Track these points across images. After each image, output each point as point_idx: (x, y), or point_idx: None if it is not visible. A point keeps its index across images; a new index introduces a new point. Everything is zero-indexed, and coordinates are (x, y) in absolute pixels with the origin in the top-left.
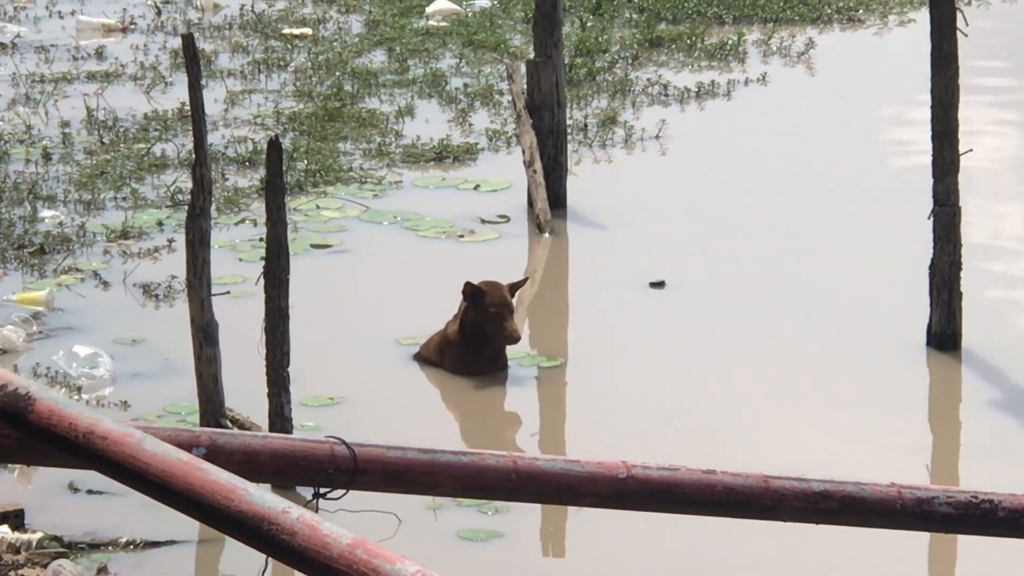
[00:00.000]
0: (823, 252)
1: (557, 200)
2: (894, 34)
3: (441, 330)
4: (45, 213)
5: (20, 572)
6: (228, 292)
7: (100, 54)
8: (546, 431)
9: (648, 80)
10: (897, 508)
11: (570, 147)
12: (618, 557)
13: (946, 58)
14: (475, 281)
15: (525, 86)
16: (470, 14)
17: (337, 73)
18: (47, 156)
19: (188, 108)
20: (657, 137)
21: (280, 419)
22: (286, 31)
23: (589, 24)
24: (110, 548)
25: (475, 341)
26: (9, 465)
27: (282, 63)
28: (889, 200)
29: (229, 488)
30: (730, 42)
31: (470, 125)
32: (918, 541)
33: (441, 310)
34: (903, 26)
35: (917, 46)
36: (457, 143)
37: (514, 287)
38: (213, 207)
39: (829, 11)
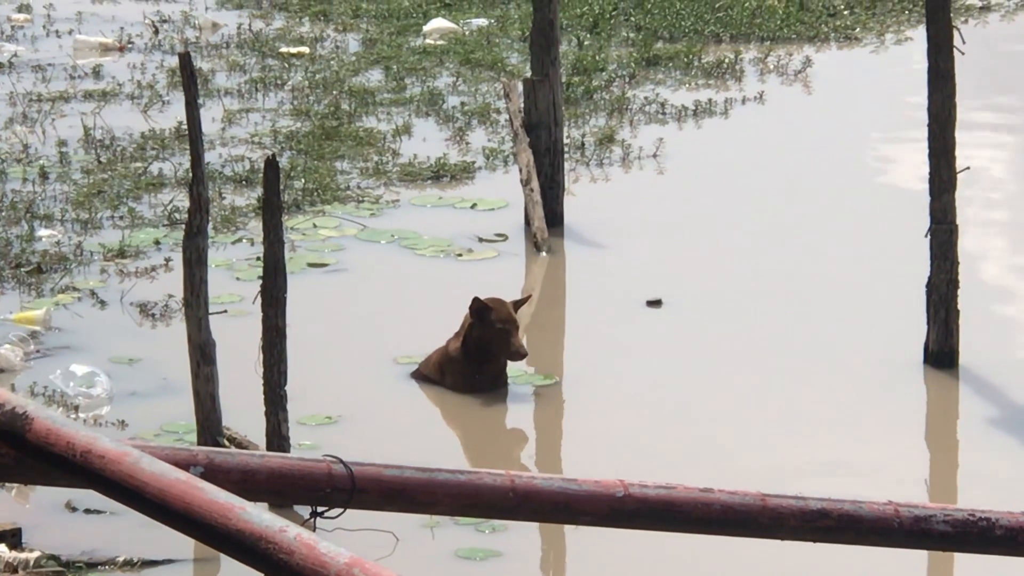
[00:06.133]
0: (819, 270)
1: (554, 219)
2: (891, 52)
3: (441, 347)
4: (42, 232)
5: None
6: (225, 311)
7: (97, 73)
8: (543, 449)
9: (645, 98)
10: (895, 526)
11: (567, 165)
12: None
13: (943, 76)
14: (480, 298)
15: (522, 104)
16: (467, 33)
17: (334, 92)
18: (44, 175)
19: (185, 127)
20: (654, 155)
21: (277, 438)
22: (283, 50)
23: (586, 43)
24: (108, 567)
25: (478, 358)
26: (6, 484)
27: (279, 82)
28: (886, 218)
29: (226, 507)
30: (727, 60)
31: (467, 144)
32: (916, 559)
33: (439, 329)
34: (900, 44)
35: (914, 64)
36: (454, 162)
37: (517, 305)
38: (210, 226)
39: (826, 29)
